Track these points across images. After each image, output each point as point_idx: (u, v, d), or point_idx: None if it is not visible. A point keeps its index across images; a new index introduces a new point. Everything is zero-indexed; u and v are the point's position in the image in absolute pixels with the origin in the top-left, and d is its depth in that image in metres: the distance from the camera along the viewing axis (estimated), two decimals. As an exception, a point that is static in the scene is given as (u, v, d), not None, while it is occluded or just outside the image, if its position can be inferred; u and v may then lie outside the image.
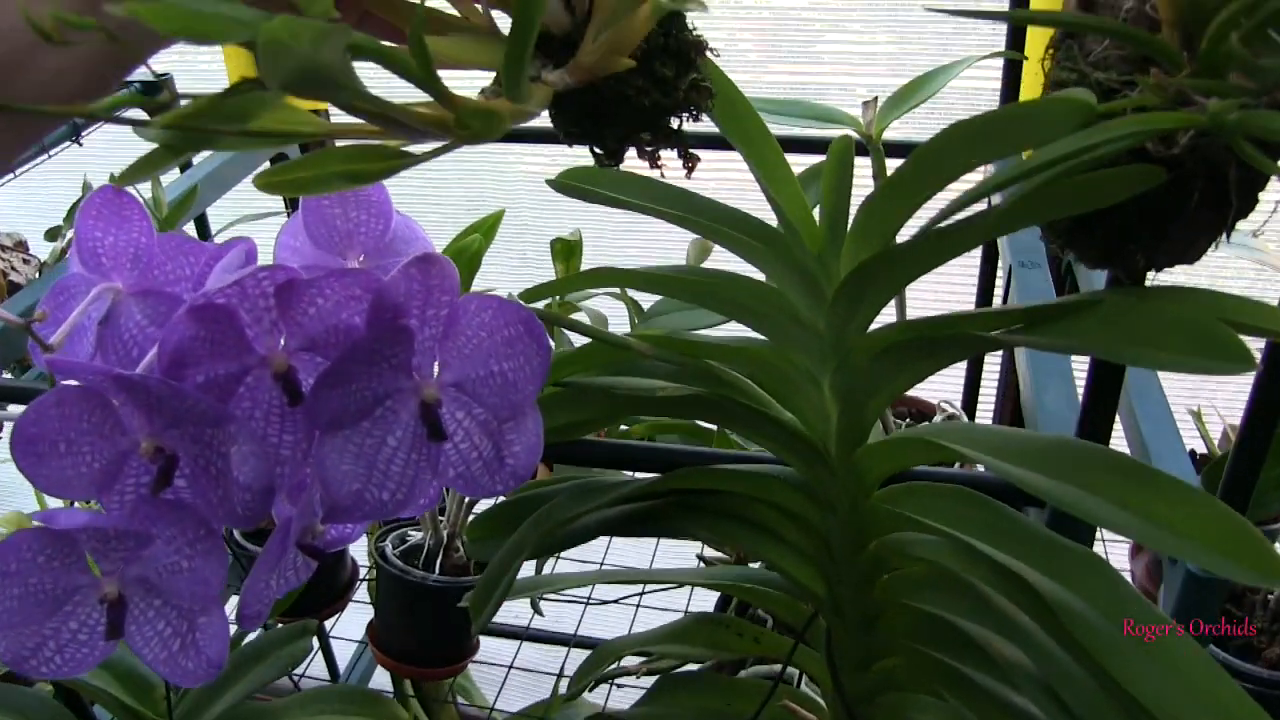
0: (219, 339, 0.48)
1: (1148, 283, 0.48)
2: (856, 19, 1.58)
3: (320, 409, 0.49)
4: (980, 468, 0.58)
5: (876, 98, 0.99)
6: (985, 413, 1.35)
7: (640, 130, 0.49)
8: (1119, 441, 0.81)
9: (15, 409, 0.50)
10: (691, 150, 0.51)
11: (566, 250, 0.94)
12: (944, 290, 1.53)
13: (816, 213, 0.55)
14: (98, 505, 0.52)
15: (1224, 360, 0.38)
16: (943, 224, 0.39)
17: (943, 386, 1.31)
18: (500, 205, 1.65)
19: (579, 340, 0.62)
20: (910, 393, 1.15)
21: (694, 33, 0.50)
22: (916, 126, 1.45)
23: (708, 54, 0.51)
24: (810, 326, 0.52)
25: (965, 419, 1.09)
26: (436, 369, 0.51)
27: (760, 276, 0.56)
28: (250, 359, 0.49)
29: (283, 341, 0.49)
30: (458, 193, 1.72)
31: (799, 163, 1.00)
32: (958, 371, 1.33)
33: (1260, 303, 0.42)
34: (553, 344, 0.88)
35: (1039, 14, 0.41)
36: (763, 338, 0.56)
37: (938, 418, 1.06)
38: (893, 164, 0.96)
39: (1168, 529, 0.41)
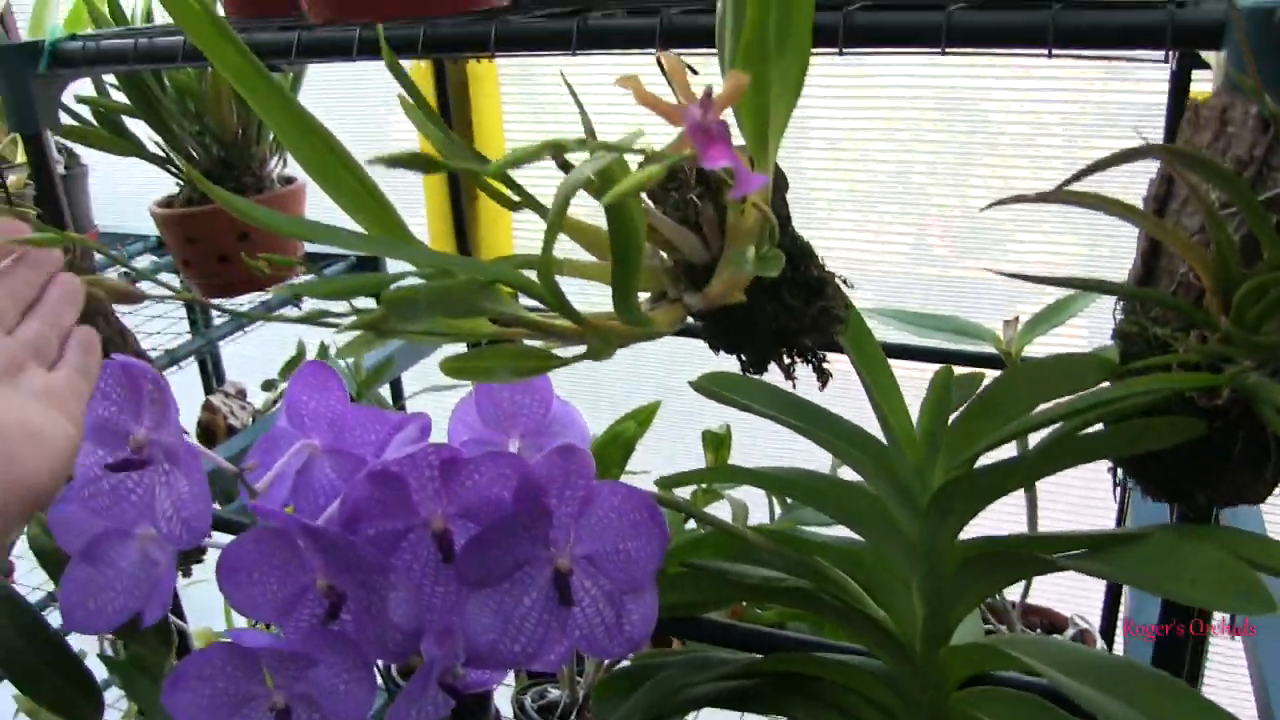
0: (390, 500, 0.57)
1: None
2: (1049, 221, 1.61)
3: (469, 568, 0.58)
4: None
5: (1018, 317, 1.05)
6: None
7: (775, 349, 0.57)
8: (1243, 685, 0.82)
9: (219, 536, 0.61)
10: (825, 367, 0.59)
11: (715, 442, 1.02)
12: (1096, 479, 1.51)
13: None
14: (276, 628, 0.61)
15: (1246, 602, 0.43)
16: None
17: (1086, 598, 1.31)
18: (671, 388, 1.74)
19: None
20: (1045, 604, 1.17)
21: (822, 270, 0.57)
22: (1064, 341, 1.48)
23: (840, 284, 0.59)
24: (905, 534, 0.58)
25: (1096, 635, 1.10)
26: (570, 542, 0.59)
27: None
28: (414, 519, 0.58)
29: (442, 507, 0.58)
30: (627, 375, 1.82)
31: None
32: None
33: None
34: (693, 525, 0.95)
35: (1114, 286, 0.47)
36: (863, 540, 0.62)
37: (1069, 631, 1.08)
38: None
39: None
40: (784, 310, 0.55)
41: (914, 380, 0.97)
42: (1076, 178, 0.41)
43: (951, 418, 0.57)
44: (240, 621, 0.94)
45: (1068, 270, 1.60)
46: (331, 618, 0.58)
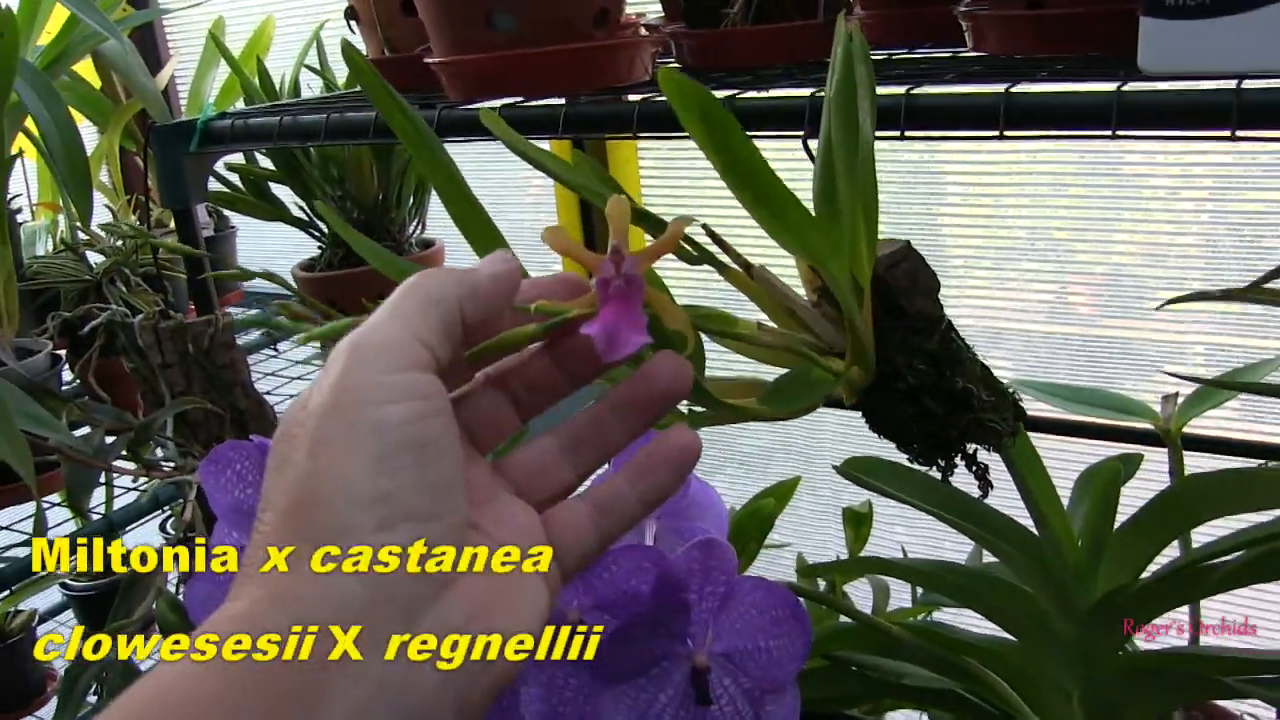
0: (525, 591, 0.56)
1: None
2: (1197, 277, 1.54)
3: (605, 663, 0.56)
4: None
5: (1177, 393, 0.99)
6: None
7: (933, 452, 0.54)
8: None
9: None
10: (987, 478, 0.55)
11: (856, 520, 0.99)
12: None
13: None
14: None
15: None
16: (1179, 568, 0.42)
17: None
18: (806, 454, 1.71)
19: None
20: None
21: (972, 379, 0.53)
22: (1225, 417, 1.40)
23: (1007, 397, 0.54)
24: (1063, 640, 0.55)
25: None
26: (709, 639, 0.57)
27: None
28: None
29: (578, 600, 0.56)
30: (760, 435, 1.78)
31: (1096, 451, 1.01)
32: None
33: None
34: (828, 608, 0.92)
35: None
36: (1015, 641, 0.58)
37: (1236, 728, 1.01)
38: (1194, 460, 0.95)
39: None
40: (924, 415, 0.52)
41: (1059, 456, 0.93)
42: (1267, 279, 0.38)
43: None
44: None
45: (1216, 328, 1.53)
46: (462, 710, 0.57)
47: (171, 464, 0.85)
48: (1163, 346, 1.56)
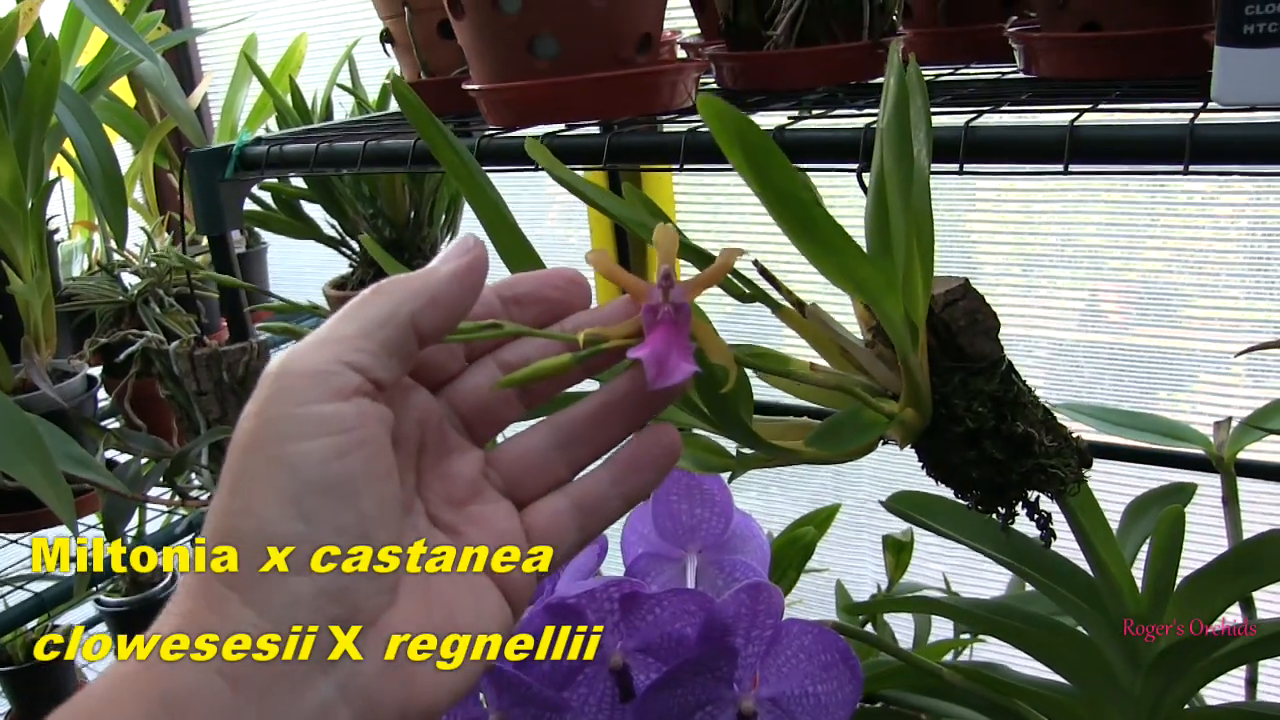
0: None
1: None
2: (1235, 286, 1.51)
3: (649, 708, 0.54)
4: None
5: (1230, 419, 0.97)
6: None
7: (991, 496, 0.52)
8: None
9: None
10: (1049, 527, 0.53)
11: (896, 546, 0.97)
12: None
13: (1139, 566, 0.56)
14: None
15: None
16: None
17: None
18: (841, 474, 1.69)
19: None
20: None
21: (1033, 425, 0.50)
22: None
23: (1071, 444, 0.52)
24: (1125, 690, 0.53)
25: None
26: (755, 683, 0.55)
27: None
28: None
29: (621, 642, 0.55)
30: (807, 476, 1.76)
31: (1143, 476, 0.99)
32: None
33: None
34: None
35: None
36: (1070, 686, 0.56)
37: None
38: (1248, 486, 0.93)
39: None
40: (984, 460, 0.50)
41: (1103, 482, 0.90)
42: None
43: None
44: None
45: (1254, 338, 1.50)
46: (503, 756, 0.55)
47: (207, 493, 0.84)
48: (1199, 356, 1.54)
